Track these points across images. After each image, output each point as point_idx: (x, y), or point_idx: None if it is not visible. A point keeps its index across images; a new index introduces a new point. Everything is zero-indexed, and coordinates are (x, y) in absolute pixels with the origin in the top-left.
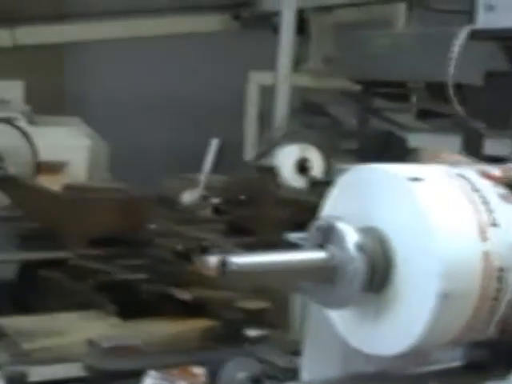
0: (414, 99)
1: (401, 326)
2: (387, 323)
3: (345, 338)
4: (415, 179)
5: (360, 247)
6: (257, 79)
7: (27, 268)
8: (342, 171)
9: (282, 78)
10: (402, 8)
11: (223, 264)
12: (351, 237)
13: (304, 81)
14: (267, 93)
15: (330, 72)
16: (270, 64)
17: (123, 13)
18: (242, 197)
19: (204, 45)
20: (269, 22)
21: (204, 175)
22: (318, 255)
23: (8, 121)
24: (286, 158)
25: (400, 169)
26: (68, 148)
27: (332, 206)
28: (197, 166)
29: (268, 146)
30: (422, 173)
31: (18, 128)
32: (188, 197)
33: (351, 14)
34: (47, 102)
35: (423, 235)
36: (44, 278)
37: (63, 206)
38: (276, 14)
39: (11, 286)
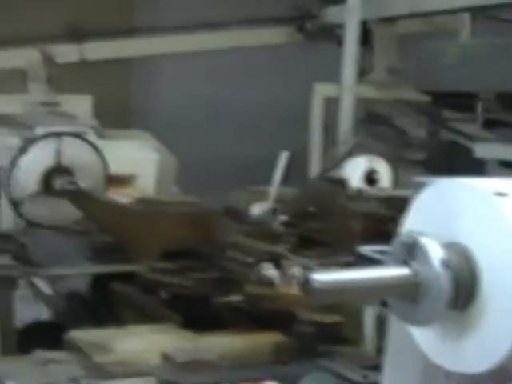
0: (480, 109)
1: (486, 344)
2: (471, 340)
3: (426, 354)
4: (500, 194)
5: (445, 263)
6: (321, 91)
7: (99, 281)
8: (419, 184)
9: (346, 89)
10: (466, 18)
11: (306, 282)
12: (436, 253)
13: (368, 92)
14: (332, 104)
15: (395, 83)
16: (334, 75)
17: (189, 27)
18: (312, 209)
19: (268, 57)
20: (332, 34)
21: (274, 188)
22: (401, 272)
23: (78, 135)
24: (353, 170)
25: (484, 183)
26: (137, 161)
27: (413, 220)
28: (262, 178)
29: (336, 158)
30: (506, 187)
31: (89, 142)
32: (257, 209)
33: (415, 25)
34: (114, 116)
35: (510, 251)
36: (115, 291)
37: (135, 220)
38: (339, 25)
39: (83, 298)
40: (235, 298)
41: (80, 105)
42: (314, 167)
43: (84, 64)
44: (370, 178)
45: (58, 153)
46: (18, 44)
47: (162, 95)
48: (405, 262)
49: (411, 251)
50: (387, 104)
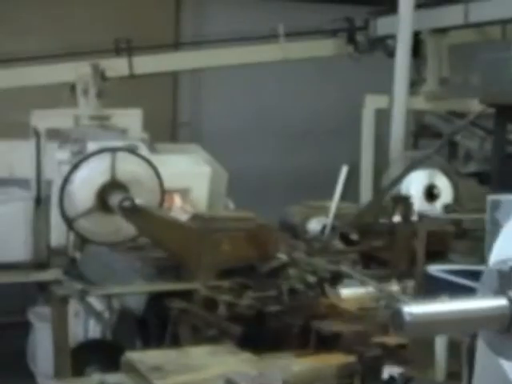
0: None
1: None
2: None
3: None
4: None
5: None
6: (372, 102)
7: (154, 298)
8: (501, 204)
9: (398, 100)
10: None
11: (396, 315)
12: None
13: (419, 103)
14: (383, 116)
15: (447, 94)
16: (385, 87)
17: (236, 40)
18: (374, 226)
19: (318, 69)
20: (383, 45)
21: (334, 203)
22: (497, 302)
23: (133, 150)
24: (414, 185)
25: None
26: (190, 175)
27: (505, 246)
28: (313, 190)
29: (396, 173)
30: None
31: (143, 157)
32: (314, 225)
33: (467, 35)
34: (160, 129)
35: None
36: (172, 309)
37: (192, 237)
38: (391, 37)
39: (137, 315)
40: (296, 317)
41: (130, 118)
42: (366, 179)
43: (131, 78)
44: (431, 192)
45: (113, 168)
46: (68, 58)
47: (209, 108)
48: (500, 292)
49: (508, 280)
50: (438, 116)
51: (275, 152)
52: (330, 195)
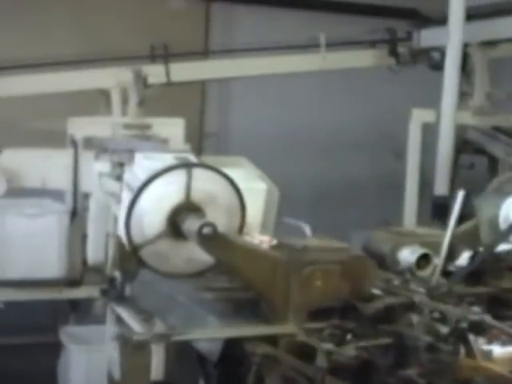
0: None
1: None
2: None
3: None
4: None
5: None
6: (420, 116)
7: (234, 343)
8: None
9: (446, 115)
10: None
11: None
12: None
13: (467, 118)
14: (428, 130)
15: (493, 109)
16: (427, 100)
17: (274, 48)
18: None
19: (358, 80)
20: (427, 57)
21: (449, 233)
22: None
23: (209, 166)
24: None
25: None
26: (246, 191)
27: None
28: (338, 205)
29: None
30: None
31: (223, 174)
32: (407, 255)
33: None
34: (188, 140)
35: None
36: (256, 355)
37: (282, 270)
38: (435, 49)
39: (215, 364)
40: (421, 375)
41: (172, 128)
42: (411, 197)
43: (168, 86)
44: None
45: (189, 187)
46: (101, 64)
47: (235, 119)
48: None
49: None
50: (481, 131)
51: (300, 164)
52: (358, 209)
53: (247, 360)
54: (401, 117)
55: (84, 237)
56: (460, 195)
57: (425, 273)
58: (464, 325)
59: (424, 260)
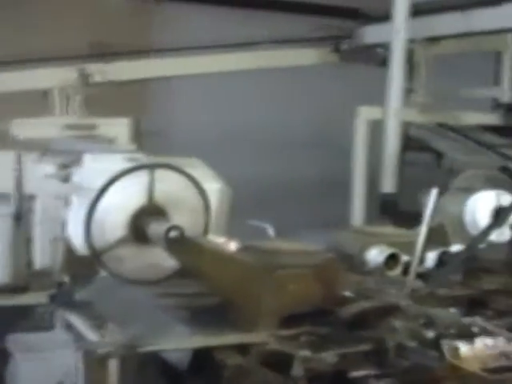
0: None
1: None
2: None
3: None
4: None
5: None
6: (366, 114)
7: (202, 353)
8: None
9: (392, 112)
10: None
11: None
12: None
13: (413, 115)
14: (374, 128)
15: (439, 105)
16: (371, 97)
17: (214, 47)
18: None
19: (304, 79)
20: (370, 55)
21: (423, 232)
22: None
23: (172, 166)
24: (480, 208)
25: None
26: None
27: None
28: (286, 204)
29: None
30: None
31: (186, 174)
32: (375, 255)
33: (458, 45)
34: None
35: None
36: (228, 367)
37: (253, 275)
38: (379, 45)
39: (182, 375)
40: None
41: (117, 128)
42: (359, 196)
43: (112, 85)
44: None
45: (151, 189)
46: (42, 64)
47: (179, 118)
48: None
49: None
50: (426, 128)
51: (244, 163)
52: (304, 208)
53: (218, 370)
54: (347, 115)
55: (28, 240)
56: (433, 193)
57: (393, 273)
58: (453, 330)
59: (392, 260)
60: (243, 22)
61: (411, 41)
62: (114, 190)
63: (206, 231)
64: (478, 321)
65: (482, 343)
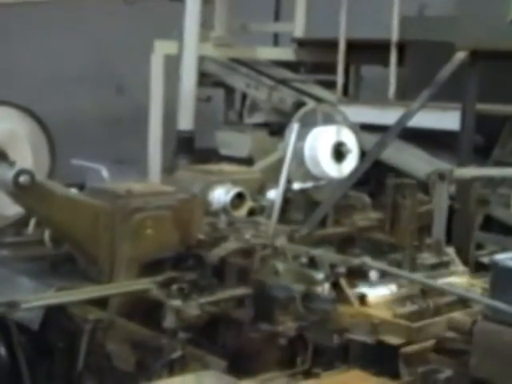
0: None
1: None
2: None
3: None
4: None
5: None
6: (163, 48)
7: (57, 308)
8: None
9: (189, 48)
10: None
11: None
12: None
13: (207, 50)
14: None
15: (234, 41)
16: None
17: None
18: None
19: (86, 15)
20: None
21: (285, 168)
22: None
23: (5, 102)
24: (321, 143)
25: None
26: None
27: None
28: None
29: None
30: None
31: (22, 108)
32: (220, 195)
33: None
34: None
35: None
36: (87, 322)
37: (107, 220)
38: None
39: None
40: (282, 326)
41: None
42: (155, 130)
43: None
44: (339, 151)
45: None
46: None
47: None
48: None
49: None
50: (219, 63)
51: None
52: (85, 146)
53: (76, 326)
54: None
55: None
56: (295, 128)
57: (239, 213)
58: (342, 270)
59: (238, 199)
60: None
61: None
62: None
63: (50, 172)
64: (367, 260)
65: (387, 288)
